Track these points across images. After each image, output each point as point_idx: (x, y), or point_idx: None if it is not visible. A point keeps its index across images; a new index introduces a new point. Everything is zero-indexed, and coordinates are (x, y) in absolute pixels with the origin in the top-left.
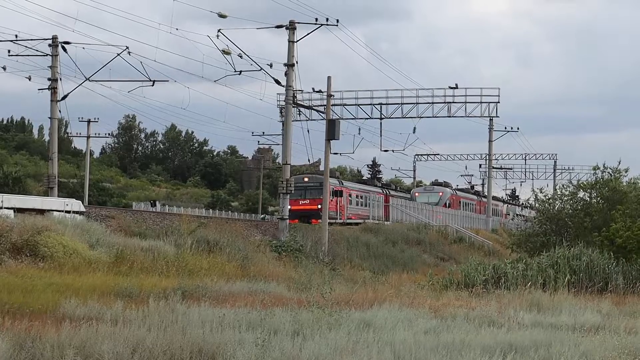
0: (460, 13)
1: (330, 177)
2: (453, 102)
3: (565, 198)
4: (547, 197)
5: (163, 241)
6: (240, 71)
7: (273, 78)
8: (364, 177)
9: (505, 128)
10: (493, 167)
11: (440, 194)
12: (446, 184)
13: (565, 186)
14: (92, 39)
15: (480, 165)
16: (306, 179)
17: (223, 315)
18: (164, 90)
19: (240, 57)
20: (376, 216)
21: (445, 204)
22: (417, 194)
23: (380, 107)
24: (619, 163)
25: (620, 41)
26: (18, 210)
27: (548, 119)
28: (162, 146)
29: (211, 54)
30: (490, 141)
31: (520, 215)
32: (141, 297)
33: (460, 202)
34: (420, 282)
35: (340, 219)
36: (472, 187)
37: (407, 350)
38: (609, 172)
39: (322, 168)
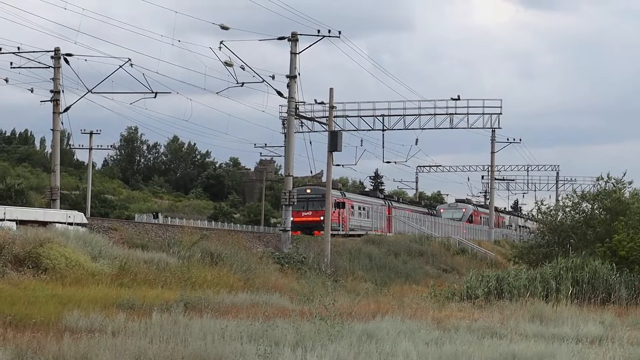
0: (462, 25)
1: (332, 188)
2: (455, 114)
3: (568, 209)
4: (549, 208)
5: (165, 253)
6: (243, 83)
7: (275, 90)
8: (366, 189)
9: (508, 139)
10: (495, 179)
11: (464, 210)
12: (468, 201)
13: (568, 196)
14: (95, 51)
15: (482, 177)
16: (308, 191)
17: (225, 326)
18: (166, 102)
19: (243, 68)
20: (378, 227)
21: (468, 219)
22: (442, 210)
23: (383, 118)
24: (624, 174)
25: (622, 52)
26: (20, 222)
27: (550, 130)
28: (164, 158)
29: (213, 65)
30: (492, 152)
31: (523, 226)
32: (143, 309)
33: (480, 217)
34: (422, 294)
35: (342, 230)
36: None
37: None
38: (612, 184)
39: (324, 180)
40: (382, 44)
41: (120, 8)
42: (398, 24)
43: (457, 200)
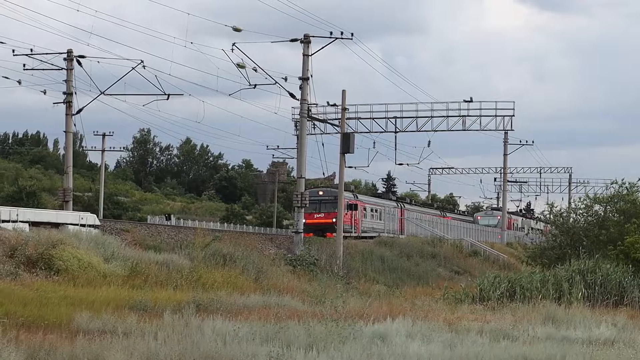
0: (475, 28)
1: (344, 190)
2: (468, 116)
3: (580, 211)
4: (561, 210)
5: (178, 255)
6: (255, 85)
7: (288, 92)
8: (379, 191)
9: (520, 141)
10: (508, 181)
11: (498, 217)
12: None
13: (581, 199)
14: (107, 53)
15: (495, 179)
16: (321, 193)
17: (237, 328)
18: (179, 104)
19: (255, 70)
20: (391, 230)
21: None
22: (479, 217)
23: (395, 120)
24: (639, 180)
25: (636, 55)
26: (33, 224)
27: (563, 132)
28: (177, 160)
29: (226, 68)
30: (505, 155)
31: (535, 228)
32: (155, 311)
33: (512, 223)
34: (434, 296)
35: (354, 232)
36: (521, 210)
37: None
38: (626, 187)
39: (336, 182)
40: (396, 47)
41: (133, 10)
42: (412, 27)
43: (493, 208)
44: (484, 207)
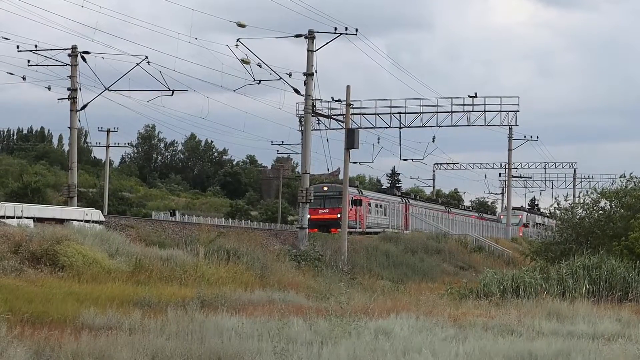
0: (481, 24)
1: (349, 186)
2: (472, 111)
3: (587, 206)
4: (570, 204)
5: (182, 250)
6: (260, 80)
7: (292, 87)
8: (384, 186)
9: (525, 137)
10: (513, 176)
11: (520, 216)
12: (523, 209)
13: (589, 193)
14: (112, 48)
15: (499, 174)
16: (325, 188)
17: (242, 324)
18: (184, 100)
19: (260, 66)
20: (395, 225)
21: (524, 224)
22: (501, 216)
23: (400, 116)
24: None
25: None
26: (38, 220)
27: (568, 128)
28: (181, 156)
29: (231, 63)
30: (509, 150)
31: (540, 224)
32: (160, 307)
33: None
34: (439, 291)
35: (359, 228)
36: (539, 209)
37: (425, 359)
38: (634, 182)
39: (341, 177)
40: (401, 43)
41: (138, 6)
42: (417, 23)
43: (514, 208)
44: (490, 203)
